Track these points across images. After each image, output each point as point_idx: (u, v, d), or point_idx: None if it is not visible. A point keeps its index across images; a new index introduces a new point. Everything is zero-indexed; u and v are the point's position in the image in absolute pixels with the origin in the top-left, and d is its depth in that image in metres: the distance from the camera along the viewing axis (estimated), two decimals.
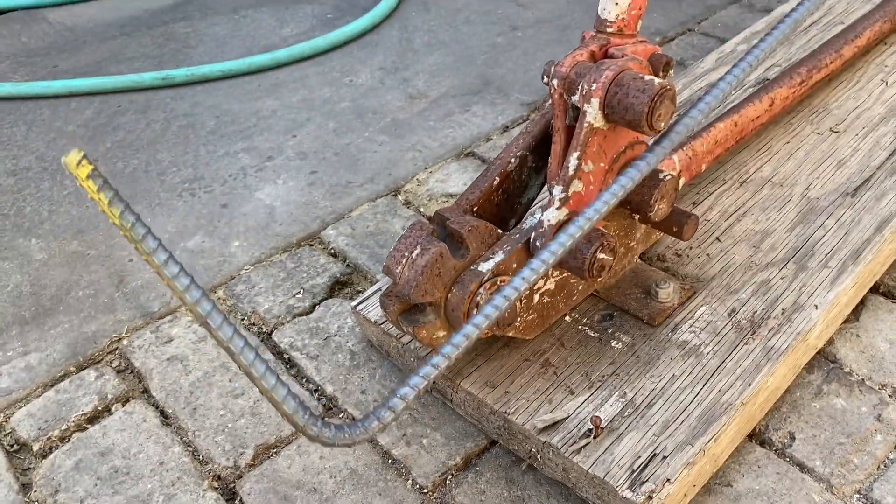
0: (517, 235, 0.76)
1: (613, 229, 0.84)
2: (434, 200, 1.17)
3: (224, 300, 1.03)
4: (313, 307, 1.01)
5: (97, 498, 0.80)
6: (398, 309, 0.75)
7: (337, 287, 1.04)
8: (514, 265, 0.75)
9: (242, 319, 1.00)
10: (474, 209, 0.79)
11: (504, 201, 0.80)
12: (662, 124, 0.69)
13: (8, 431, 0.88)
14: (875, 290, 0.96)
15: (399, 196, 1.19)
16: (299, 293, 1.03)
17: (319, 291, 1.03)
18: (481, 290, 0.72)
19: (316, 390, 0.90)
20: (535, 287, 0.79)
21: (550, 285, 0.80)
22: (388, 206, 1.17)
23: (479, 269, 0.73)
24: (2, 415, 0.90)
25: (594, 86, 0.69)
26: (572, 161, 0.73)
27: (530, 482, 0.78)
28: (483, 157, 1.26)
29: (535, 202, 0.87)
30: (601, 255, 0.74)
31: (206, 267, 1.08)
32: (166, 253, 0.47)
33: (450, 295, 0.73)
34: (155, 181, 1.25)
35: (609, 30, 0.74)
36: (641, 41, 0.75)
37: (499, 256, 0.74)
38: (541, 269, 0.65)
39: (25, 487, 0.82)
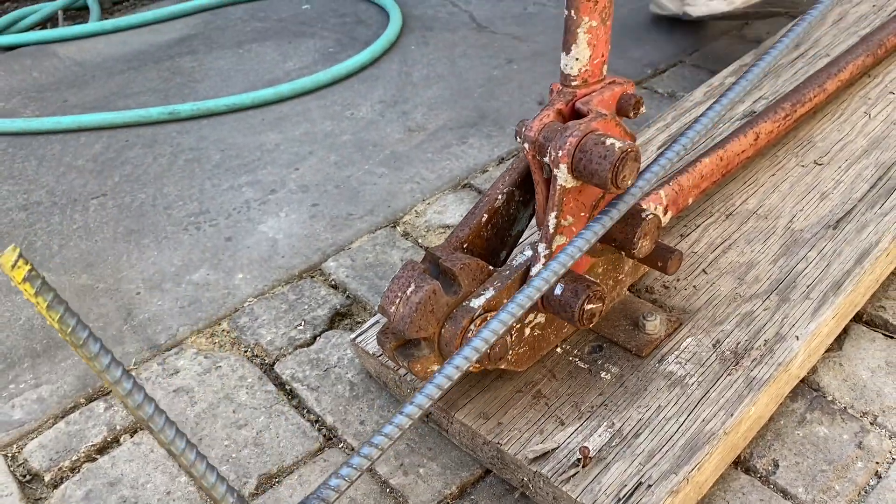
0: (507, 272, 0.79)
1: (602, 263, 0.87)
2: (431, 231, 1.21)
3: (228, 332, 1.06)
4: (314, 339, 1.04)
5: None
6: (394, 345, 0.78)
7: (337, 318, 1.07)
8: (505, 300, 0.78)
9: (246, 351, 1.03)
10: (465, 246, 0.83)
11: (494, 236, 0.84)
12: (629, 182, 0.73)
13: (21, 462, 0.91)
14: (858, 319, 0.99)
15: (398, 227, 1.23)
16: (300, 325, 1.06)
17: (320, 323, 1.06)
18: (472, 326, 0.76)
19: (316, 421, 0.93)
20: (527, 321, 0.82)
21: (541, 319, 0.84)
22: (388, 237, 1.21)
23: (471, 304, 0.76)
24: (15, 446, 0.93)
25: (560, 153, 0.73)
26: (551, 220, 0.77)
27: None
28: (479, 189, 1.30)
29: (523, 238, 0.90)
30: (590, 306, 0.78)
31: (211, 299, 1.11)
32: (108, 356, 0.46)
33: (443, 330, 0.76)
34: (162, 215, 1.29)
35: (574, 83, 0.76)
36: (610, 83, 0.78)
37: (489, 293, 0.77)
38: (518, 311, 0.68)
39: None
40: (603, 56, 0.76)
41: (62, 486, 0.88)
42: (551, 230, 0.78)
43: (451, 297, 0.76)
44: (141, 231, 1.26)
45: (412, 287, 0.75)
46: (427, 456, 0.88)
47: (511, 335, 0.80)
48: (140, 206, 1.31)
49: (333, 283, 1.13)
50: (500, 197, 0.83)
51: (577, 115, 0.77)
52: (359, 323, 1.06)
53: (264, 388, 0.98)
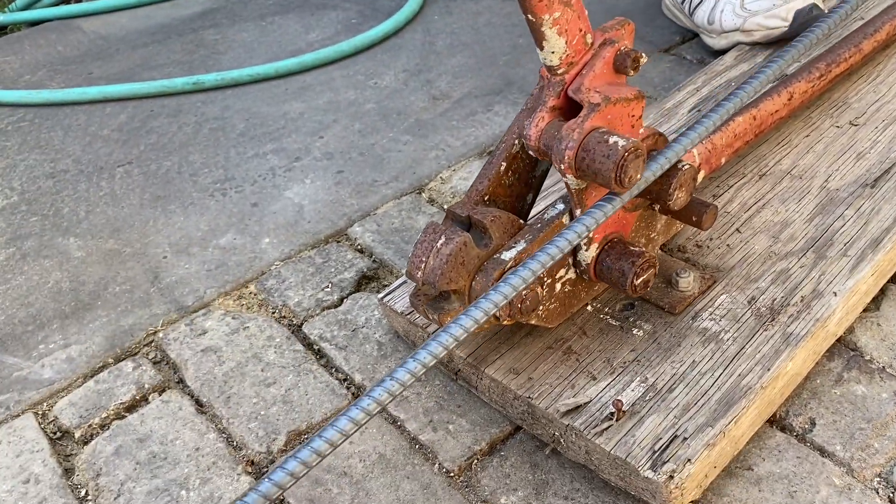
0: (539, 226, 0.78)
1: (634, 219, 0.86)
2: (457, 197, 1.20)
3: (255, 294, 1.06)
4: (341, 300, 1.04)
5: (136, 481, 0.83)
6: (426, 301, 0.77)
7: (364, 281, 1.07)
8: None
9: (273, 313, 1.03)
10: (485, 198, 0.81)
11: (516, 181, 0.82)
12: (631, 181, 0.70)
13: (51, 420, 0.92)
14: (895, 280, 0.97)
15: (423, 194, 1.22)
16: (328, 287, 1.06)
17: (347, 285, 1.06)
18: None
19: (345, 379, 0.93)
20: (557, 276, 0.81)
21: (571, 275, 0.82)
22: (413, 203, 1.20)
23: (502, 257, 0.75)
24: (45, 404, 0.93)
25: (562, 165, 0.71)
26: (577, 213, 0.77)
27: (554, 466, 0.80)
28: None
29: (551, 184, 0.89)
30: (642, 278, 0.79)
31: (238, 263, 1.11)
32: None
33: (473, 283, 0.75)
34: (188, 182, 1.29)
35: (560, 71, 0.72)
36: (600, 45, 0.72)
37: (521, 245, 0.76)
38: (547, 261, 0.67)
39: (68, 472, 0.86)
40: (581, 30, 0.70)
41: (92, 443, 0.88)
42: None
43: (482, 250, 0.75)
44: (167, 197, 1.26)
45: (443, 239, 0.74)
46: (456, 413, 0.87)
47: (542, 288, 0.79)
48: (166, 174, 1.31)
49: (360, 247, 1.13)
50: (516, 141, 0.81)
51: (572, 104, 0.74)
52: (385, 285, 1.05)
53: (292, 347, 0.97)
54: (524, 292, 0.75)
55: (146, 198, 1.26)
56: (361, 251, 1.12)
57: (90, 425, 0.90)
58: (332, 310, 1.02)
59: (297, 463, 0.57)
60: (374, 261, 1.10)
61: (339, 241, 1.14)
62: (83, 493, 0.83)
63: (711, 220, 0.83)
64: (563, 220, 0.79)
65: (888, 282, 0.96)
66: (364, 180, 1.25)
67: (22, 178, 1.34)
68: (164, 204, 1.24)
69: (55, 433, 0.90)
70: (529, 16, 0.67)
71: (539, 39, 0.68)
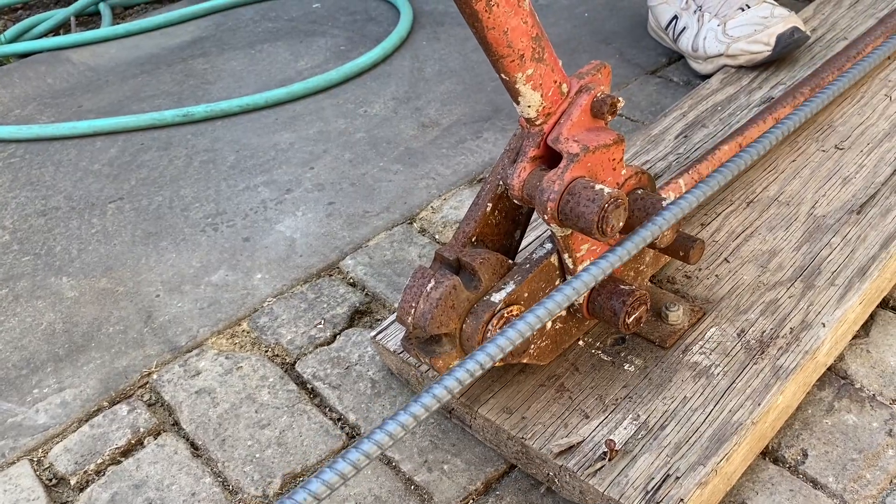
0: (528, 266, 0.79)
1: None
2: (448, 227, 1.20)
3: (248, 332, 1.06)
4: (334, 337, 1.04)
5: None
6: (417, 344, 0.78)
7: (356, 316, 1.07)
8: (526, 295, 0.78)
9: (266, 351, 1.03)
10: (473, 239, 0.82)
11: (503, 220, 0.82)
12: (613, 230, 0.71)
13: (46, 466, 0.92)
14: (884, 305, 0.97)
15: (415, 224, 1.22)
16: (320, 324, 1.06)
17: (340, 321, 1.06)
18: (493, 321, 0.75)
19: (339, 419, 0.93)
20: None
21: (562, 312, 0.83)
22: (405, 234, 1.20)
23: (492, 299, 0.76)
24: (40, 450, 0.93)
25: (545, 216, 0.72)
26: (567, 260, 0.79)
27: None
28: None
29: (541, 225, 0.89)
30: (634, 315, 0.80)
31: (231, 300, 1.11)
32: None
33: (464, 325, 0.76)
34: (179, 217, 1.29)
35: (538, 122, 0.72)
36: (577, 92, 0.72)
37: (510, 287, 0.77)
38: (547, 316, 0.68)
39: None
40: (556, 82, 0.70)
41: (88, 490, 0.88)
42: (571, 266, 0.79)
43: (472, 293, 0.76)
44: (159, 234, 1.26)
45: (432, 283, 0.74)
46: (451, 452, 0.87)
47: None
48: (157, 209, 1.32)
49: (352, 280, 1.13)
50: (500, 182, 0.82)
51: (553, 152, 0.74)
52: (378, 320, 1.06)
53: (286, 387, 0.98)
54: None
55: (138, 234, 1.26)
56: (354, 285, 1.12)
57: (86, 471, 0.90)
58: (325, 347, 1.03)
59: None
60: (366, 294, 1.10)
61: (331, 275, 1.14)
62: None
63: (699, 255, 0.83)
64: (552, 259, 0.79)
65: (877, 307, 0.97)
66: (355, 211, 1.26)
67: (13, 216, 1.34)
68: (155, 241, 1.25)
69: (50, 480, 0.90)
70: (502, 75, 0.67)
71: (514, 95, 0.69)
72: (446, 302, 0.74)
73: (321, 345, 1.03)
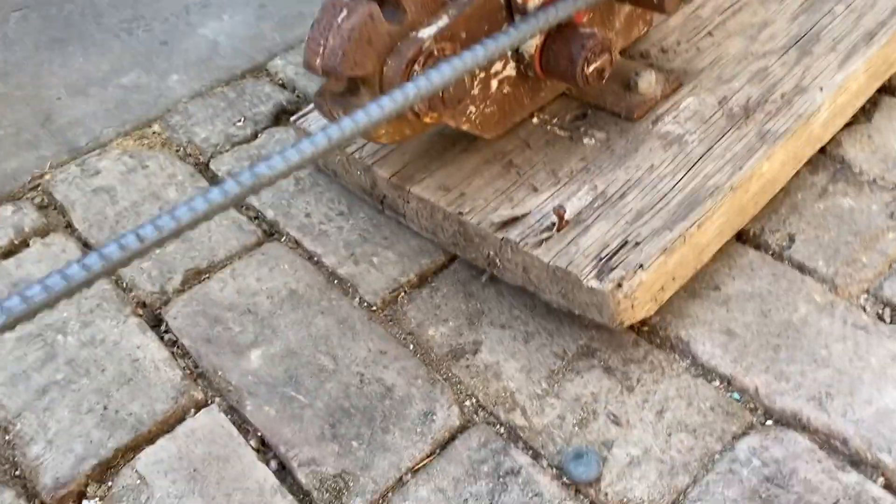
0: None
1: (588, 16, 0.72)
2: None
3: (159, 133, 0.92)
4: (255, 135, 0.90)
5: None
6: (331, 97, 0.64)
7: (282, 116, 0.93)
8: (463, 35, 0.63)
9: (177, 150, 0.89)
10: None
11: None
12: None
13: None
14: (890, 91, 0.84)
15: None
16: (240, 122, 0.92)
17: (262, 119, 0.92)
18: (419, 61, 0.61)
19: (255, 217, 0.80)
20: (493, 71, 0.68)
21: (510, 72, 0.69)
22: None
23: (419, 35, 0.61)
24: None
25: None
26: None
27: (491, 295, 0.69)
28: None
29: None
30: (594, 64, 0.65)
31: (141, 101, 0.97)
32: None
33: (385, 68, 0.62)
34: (91, 23, 1.13)
35: None
36: None
37: (443, 21, 0.62)
38: (482, 58, 0.55)
39: None
40: None
41: None
42: (520, 1, 0.63)
43: (395, 27, 0.61)
44: (66, 40, 1.10)
45: (344, 13, 0.60)
46: (382, 245, 0.75)
47: (474, 80, 0.66)
48: (67, 16, 1.15)
49: (280, 81, 0.98)
50: None
51: None
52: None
53: (196, 185, 0.84)
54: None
55: (43, 41, 1.10)
56: (283, 85, 0.97)
57: None
58: (245, 145, 0.89)
59: (133, 238, 0.45)
60: (296, 94, 0.96)
61: (256, 77, 0.99)
62: None
63: (675, 2, 0.69)
64: None
65: (881, 93, 0.83)
66: (289, 13, 1.09)
67: None
68: (62, 46, 1.08)
69: None
70: None
71: None
72: (361, 34, 0.59)
73: (240, 143, 0.89)
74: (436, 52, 0.61)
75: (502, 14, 0.66)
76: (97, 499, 0.59)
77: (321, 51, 0.61)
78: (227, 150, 0.88)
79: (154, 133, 0.93)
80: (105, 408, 0.64)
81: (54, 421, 0.64)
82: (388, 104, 0.54)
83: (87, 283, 0.45)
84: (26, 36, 1.12)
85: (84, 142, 0.92)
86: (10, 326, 0.44)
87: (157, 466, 0.60)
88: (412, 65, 0.61)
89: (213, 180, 0.85)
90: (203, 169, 0.87)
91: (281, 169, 0.51)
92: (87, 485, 0.60)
